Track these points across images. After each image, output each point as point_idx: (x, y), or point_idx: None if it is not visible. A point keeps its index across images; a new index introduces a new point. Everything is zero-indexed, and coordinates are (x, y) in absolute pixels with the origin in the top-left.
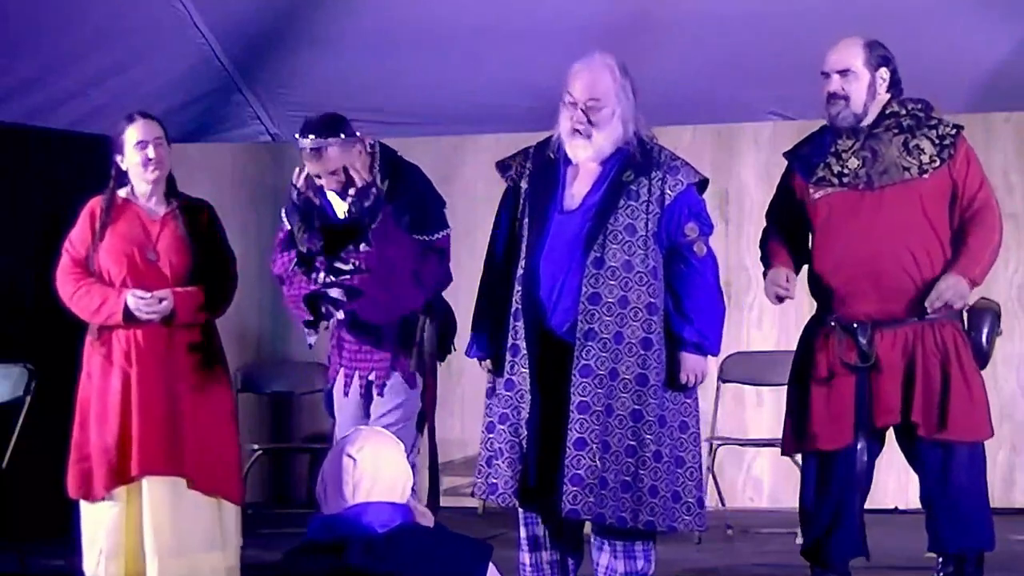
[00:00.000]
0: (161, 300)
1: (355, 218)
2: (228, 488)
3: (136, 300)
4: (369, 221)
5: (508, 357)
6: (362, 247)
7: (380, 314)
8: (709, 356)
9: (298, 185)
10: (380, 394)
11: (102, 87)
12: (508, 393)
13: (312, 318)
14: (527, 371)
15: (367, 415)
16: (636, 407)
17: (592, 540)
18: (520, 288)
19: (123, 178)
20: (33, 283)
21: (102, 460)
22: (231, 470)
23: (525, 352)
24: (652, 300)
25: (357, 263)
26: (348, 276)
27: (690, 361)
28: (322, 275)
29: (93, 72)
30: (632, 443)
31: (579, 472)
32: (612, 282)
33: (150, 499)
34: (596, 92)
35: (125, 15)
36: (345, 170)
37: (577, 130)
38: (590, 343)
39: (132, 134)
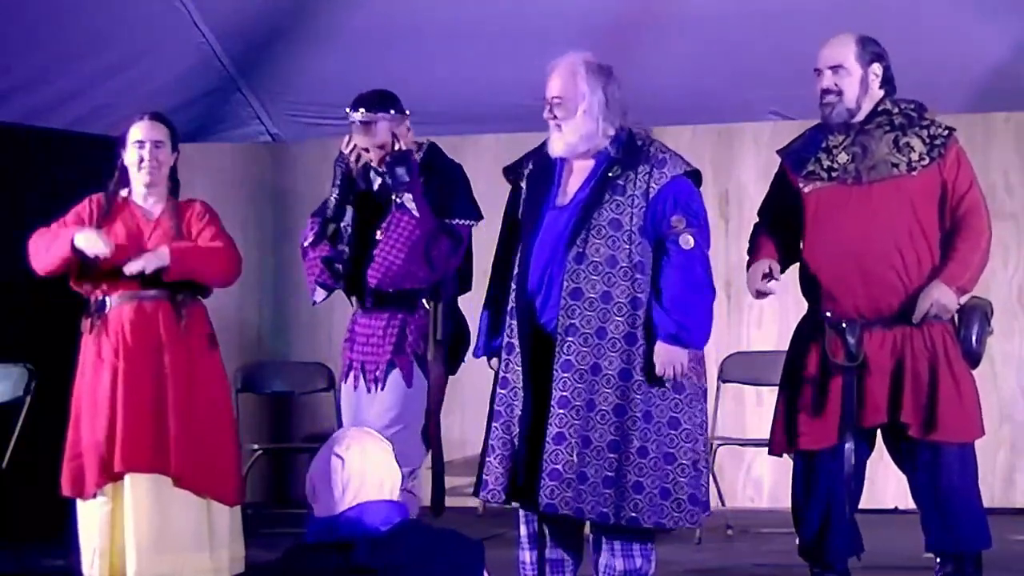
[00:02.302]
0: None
1: (387, 185)
2: (220, 489)
3: (87, 236)
4: (399, 186)
5: (504, 355)
6: (388, 216)
7: (382, 278)
8: (690, 349)
9: (344, 152)
10: (381, 388)
11: (102, 87)
12: (503, 391)
13: (330, 280)
14: (520, 368)
15: (369, 408)
16: (619, 402)
17: (591, 539)
18: (515, 286)
19: (125, 176)
20: (33, 283)
21: (93, 457)
22: (225, 471)
23: (519, 350)
24: (637, 295)
25: (380, 232)
26: (373, 247)
27: (664, 352)
28: (347, 248)
29: (93, 72)
30: (615, 438)
31: (557, 467)
32: (594, 277)
33: (132, 495)
34: (559, 90)
35: (125, 15)
36: (393, 142)
37: (549, 126)
38: (570, 338)
39: (134, 132)
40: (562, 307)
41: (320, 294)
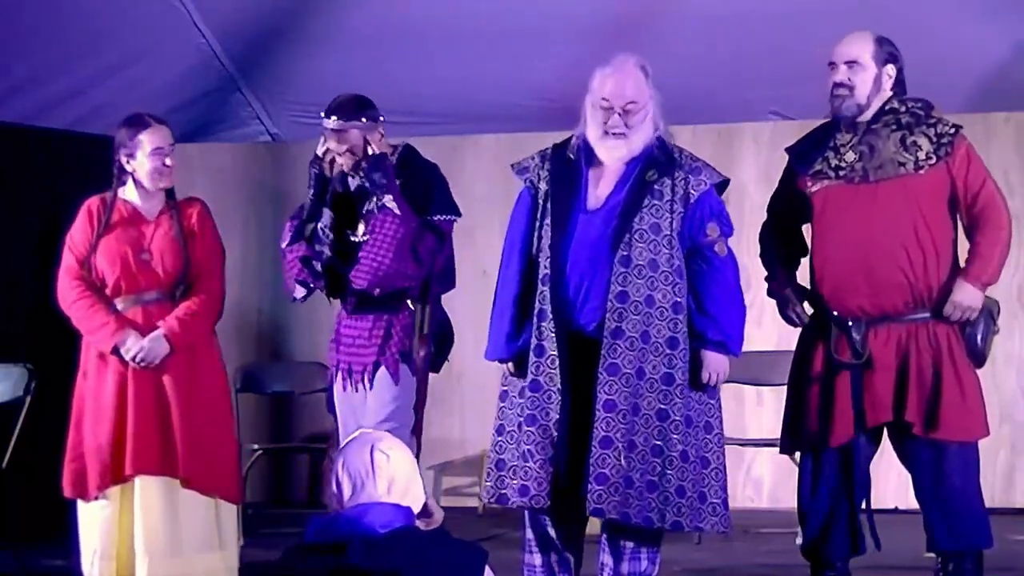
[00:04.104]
0: (153, 345)
1: (364, 188)
2: (225, 487)
3: (128, 350)
4: (376, 189)
5: (532, 358)
6: (368, 215)
7: (371, 279)
8: (731, 356)
9: (319, 154)
10: (370, 388)
11: (102, 87)
12: (534, 394)
13: (309, 278)
14: (555, 371)
15: (364, 409)
16: (662, 406)
17: (602, 541)
18: (545, 289)
19: (123, 178)
20: (33, 283)
21: (95, 459)
22: (228, 469)
23: (552, 353)
24: (678, 299)
25: (361, 233)
26: (350, 248)
27: (713, 360)
28: (326, 248)
29: (93, 72)
30: (658, 443)
31: (604, 471)
32: (639, 281)
33: (142, 499)
34: (633, 95)
35: (125, 15)
36: (364, 147)
37: (611, 132)
38: (618, 341)
39: (148, 139)
40: (609, 310)
41: (300, 291)
